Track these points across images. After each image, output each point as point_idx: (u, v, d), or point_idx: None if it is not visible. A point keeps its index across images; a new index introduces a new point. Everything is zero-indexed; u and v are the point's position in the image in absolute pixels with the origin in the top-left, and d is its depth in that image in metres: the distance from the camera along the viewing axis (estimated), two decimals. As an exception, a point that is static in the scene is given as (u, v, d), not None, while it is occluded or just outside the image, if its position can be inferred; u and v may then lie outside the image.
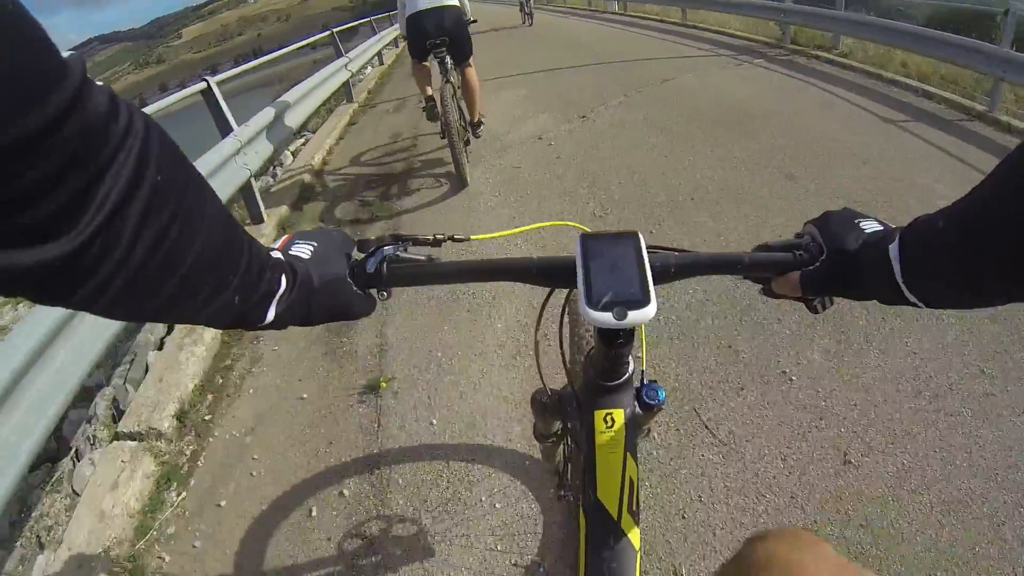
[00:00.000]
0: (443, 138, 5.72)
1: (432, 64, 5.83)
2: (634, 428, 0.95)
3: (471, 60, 5.78)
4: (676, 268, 0.83)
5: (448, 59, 5.68)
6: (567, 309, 1.14)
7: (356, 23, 16.44)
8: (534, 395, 1.20)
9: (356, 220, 5.59)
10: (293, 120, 6.74)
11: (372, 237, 0.88)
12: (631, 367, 0.95)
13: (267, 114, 6.09)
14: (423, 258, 0.89)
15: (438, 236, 0.91)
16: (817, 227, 0.83)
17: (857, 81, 8.12)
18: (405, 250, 0.88)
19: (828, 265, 0.79)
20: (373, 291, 0.86)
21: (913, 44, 7.88)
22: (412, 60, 5.88)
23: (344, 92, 10.94)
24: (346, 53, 10.88)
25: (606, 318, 0.72)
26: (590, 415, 0.94)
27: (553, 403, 1.15)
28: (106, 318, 0.51)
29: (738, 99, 7.31)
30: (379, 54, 15.67)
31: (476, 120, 6.08)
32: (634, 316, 0.71)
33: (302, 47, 9.41)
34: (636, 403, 0.96)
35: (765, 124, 6.29)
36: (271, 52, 9.28)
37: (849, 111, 6.75)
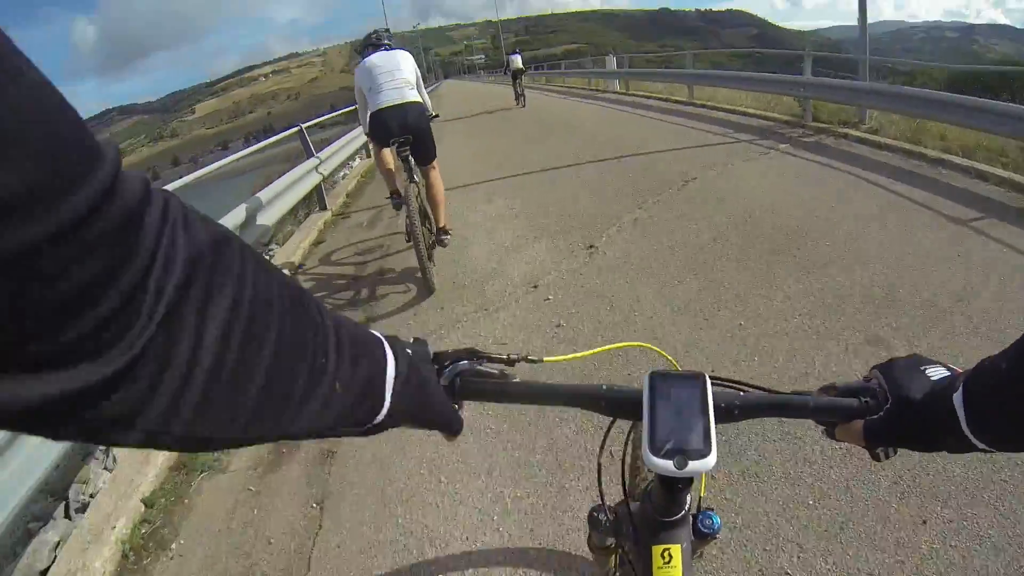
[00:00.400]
0: (408, 241, 5.51)
1: (395, 152, 5.60)
2: (690, 559, 0.92)
3: (435, 163, 5.71)
4: (740, 410, 0.82)
5: (412, 161, 5.51)
6: (631, 435, 1.16)
7: (332, 115, 14.88)
8: (592, 511, 1.06)
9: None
10: (251, 236, 6.43)
11: (449, 350, 0.90)
12: (689, 499, 0.92)
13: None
14: (496, 373, 0.91)
15: (512, 356, 0.93)
16: (882, 373, 0.80)
17: (900, 164, 7.12)
18: (480, 365, 0.90)
19: (892, 416, 0.76)
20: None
21: (947, 113, 7.16)
22: (372, 144, 6.03)
23: (317, 198, 9.74)
24: (317, 153, 9.73)
25: (667, 466, 0.73)
26: (647, 549, 0.92)
27: (610, 522, 1.03)
28: (186, 451, 0.49)
29: (777, 207, 5.94)
30: (367, 146, 13.97)
31: (442, 226, 5.74)
32: (694, 466, 0.73)
33: (267, 146, 8.90)
34: (692, 533, 0.94)
35: (819, 245, 4.91)
36: (281, 131, 10.16)
37: (910, 215, 5.49)
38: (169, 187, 4.67)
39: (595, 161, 9.20)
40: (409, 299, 5.40)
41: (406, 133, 5.34)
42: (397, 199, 5.91)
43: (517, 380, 0.89)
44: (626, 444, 1.12)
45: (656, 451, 0.73)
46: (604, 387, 0.86)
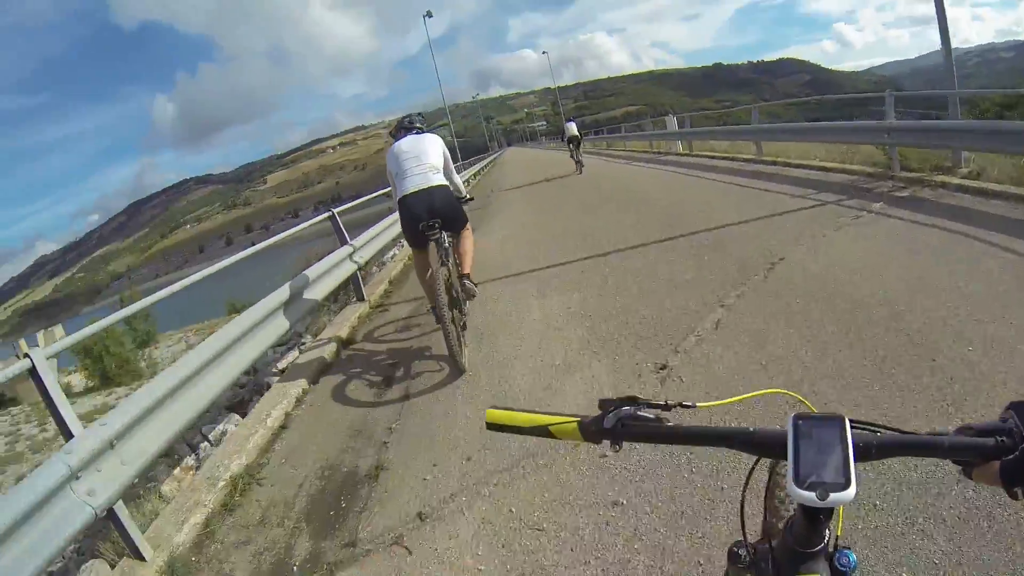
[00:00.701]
0: (438, 323, 5.43)
1: (433, 253, 5.53)
2: None
3: (467, 225, 6.02)
4: (877, 449, 0.86)
5: (445, 237, 5.71)
6: (773, 475, 1.24)
7: (362, 199, 12.63)
8: (732, 547, 1.06)
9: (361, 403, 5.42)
10: (274, 333, 6.19)
11: (614, 396, 0.99)
12: (827, 534, 0.93)
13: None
14: (652, 417, 0.98)
15: (669, 402, 0.99)
16: (1017, 412, 0.83)
17: (1016, 215, 6.25)
18: (640, 410, 0.98)
19: None
20: (606, 442, 0.99)
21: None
22: (412, 250, 5.96)
23: (354, 287, 8.96)
24: (351, 241, 9.01)
25: (810, 497, 0.77)
26: None
27: (750, 558, 1.04)
28: None
29: (892, 295, 4.66)
30: None
31: (466, 272, 5.92)
32: (835, 497, 0.77)
33: (299, 231, 8.53)
34: (829, 570, 0.92)
35: (962, 352, 3.61)
36: (347, 202, 11.10)
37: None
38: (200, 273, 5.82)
39: (662, 240, 8.15)
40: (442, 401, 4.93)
41: (434, 217, 5.41)
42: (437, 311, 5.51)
43: (672, 424, 0.98)
44: (768, 485, 1.22)
45: (800, 483, 0.78)
46: (752, 429, 0.93)
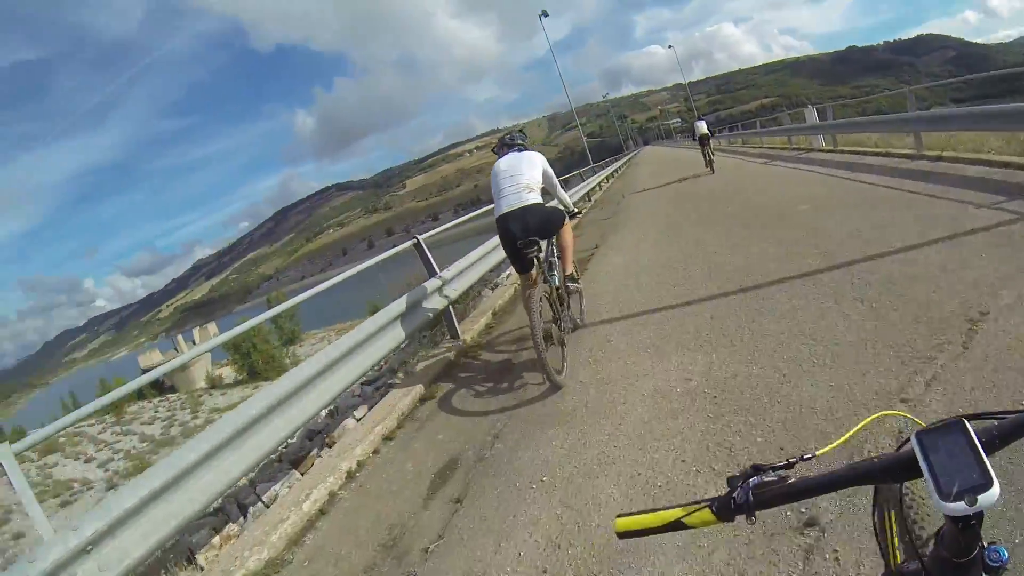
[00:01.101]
0: (534, 345, 5.27)
1: (533, 274, 5.79)
2: None
3: (565, 222, 6.02)
4: (1001, 438, 0.84)
5: (550, 251, 6.06)
6: (900, 496, 1.19)
7: (449, 225, 10.21)
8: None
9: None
10: (323, 396, 5.58)
11: (738, 472, 1.00)
12: (981, 538, 0.89)
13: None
14: (776, 479, 0.98)
15: (791, 460, 1.01)
16: None
17: None
18: (765, 476, 0.98)
19: None
20: (741, 518, 0.97)
21: None
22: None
23: (446, 323, 8.22)
24: (440, 272, 8.24)
25: (958, 507, 0.76)
26: None
27: None
28: None
29: None
30: None
31: (568, 273, 6.03)
32: (983, 499, 0.75)
33: (382, 260, 8.13)
34: (982, 570, 0.89)
35: None
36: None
37: None
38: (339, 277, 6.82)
39: (809, 274, 6.24)
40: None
41: (529, 235, 5.56)
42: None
43: (796, 480, 0.96)
44: (900, 507, 1.17)
45: (945, 496, 0.77)
46: (875, 458, 0.92)
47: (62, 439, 42.22)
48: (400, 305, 7.05)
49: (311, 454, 5.87)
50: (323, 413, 6.73)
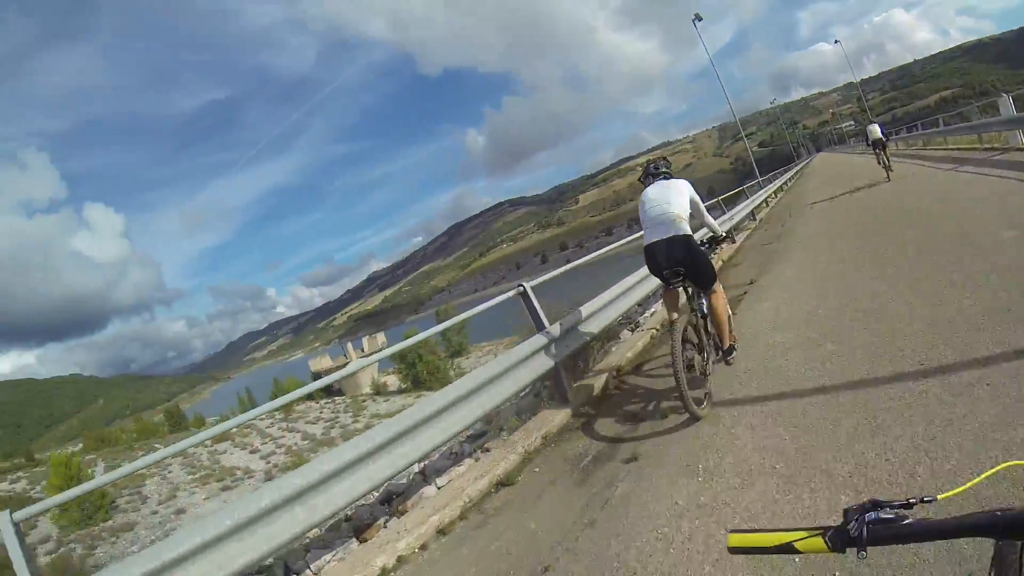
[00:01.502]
0: (672, 368, 5.24)
1: (679, 296, 5.97)
2: None
3: (716, 286, 5.83)
4: None
5: (687, 287, 5.89)
6: (1023, 558, 1.01)
7: (559, 271, 8.85)
8: None
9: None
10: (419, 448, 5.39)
11: (855, 505, 1.00)
12: None
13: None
14: (894, 517, 0.97)
15: (910, 500, 1.00)
16: None
17: None
18: (882, 512, 0.98)
19: None
20: (852, 551, 0.97)
21: None
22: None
23: (555, 385, 7.45)
24: (548, 327, 7.32)
25: None
26: None
27: None
28: None
29: None
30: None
31: (727, 346, 5.93)
32: None
33: (487, 309, 7.42)
34: None
35: None
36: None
37: None
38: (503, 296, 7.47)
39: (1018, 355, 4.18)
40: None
41: (675, 266, 5.64)
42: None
43: (912, 521, 0.96)
44: (1019, 568, 0.98)
45: None
46: (999, 512, 0.89)
47: (234, 429, 44.71)
48: (501, 364, 6.54)
49: (377, 522, 5.52)
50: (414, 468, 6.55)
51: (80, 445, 78.35)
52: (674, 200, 5.83)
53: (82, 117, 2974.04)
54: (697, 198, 6.04)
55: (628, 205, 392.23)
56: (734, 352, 6.07)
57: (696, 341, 5.76)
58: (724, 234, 6.77)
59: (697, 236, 6.03)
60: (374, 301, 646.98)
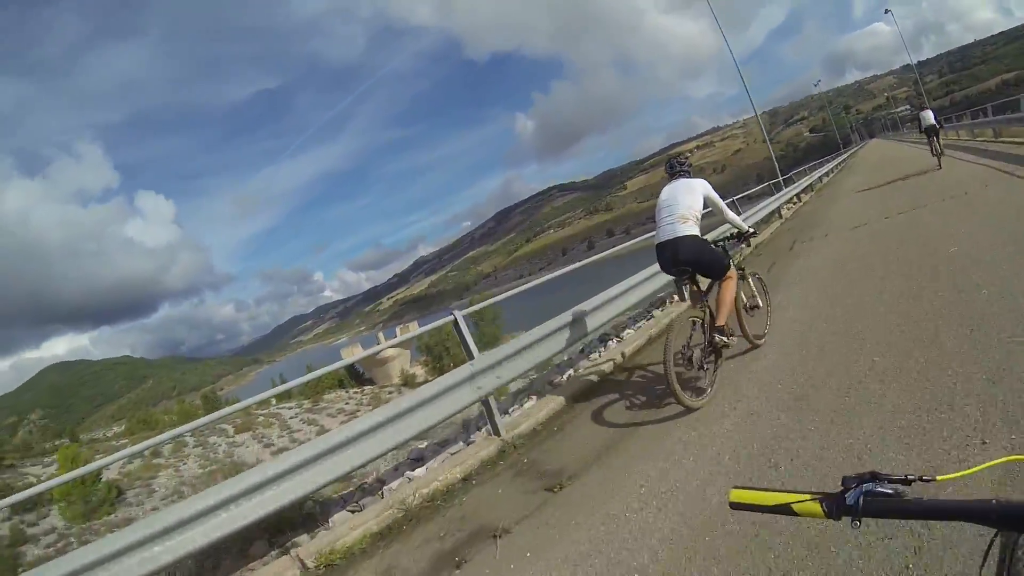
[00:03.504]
0: (664, 361, 5.41)
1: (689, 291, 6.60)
2: None
3: (729, 273, 6.08)
4: None
5: (697, 283, 6.28)
6: (1013, 548, 1.04)
7: (570, 267, 9.44)
8: None
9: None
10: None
11: (854, 474, 1.02)
12: None
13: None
14: (892, 492, 0.99)
15: (909, 476, 1.00)
16: None
17: None
18: (880, 486, 0.99)
19: None
20: (847, 519, 0.99)
21: None
22: None
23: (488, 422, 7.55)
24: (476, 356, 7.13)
25: None
26: None
27: None
28: None
29: None
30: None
31: (719, 325, 5.87)
32: None
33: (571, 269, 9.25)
34: None
35: None
36: None
37: None
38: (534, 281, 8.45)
39: None
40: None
41: (681, 265, 5.96)
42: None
43: (910, 498, 0.97)
44: (1010, 558, 1.02)
45: None
46: (994, 501, 0.89)
47: (260, 418, 45.02)
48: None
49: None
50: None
51: (124, 426, 79.49)
52: (682, 200, 6.00)
53: (134, 109, 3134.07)
54: (715, 196, 6.24)
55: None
56: (723, 336, 5.93)
57: (701, 336, 5.86)
58: (749, 229, 6.73)
59: (720, 232, 6.59)
60: (420, 286, 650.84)
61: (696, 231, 5.91)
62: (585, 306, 8.10)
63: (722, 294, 6.00)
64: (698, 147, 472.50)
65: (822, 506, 1.00)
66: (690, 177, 6.39)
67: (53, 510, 27.70)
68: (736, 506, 1.10)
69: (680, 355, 5.58)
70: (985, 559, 1.01)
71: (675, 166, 6.54)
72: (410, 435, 5.94)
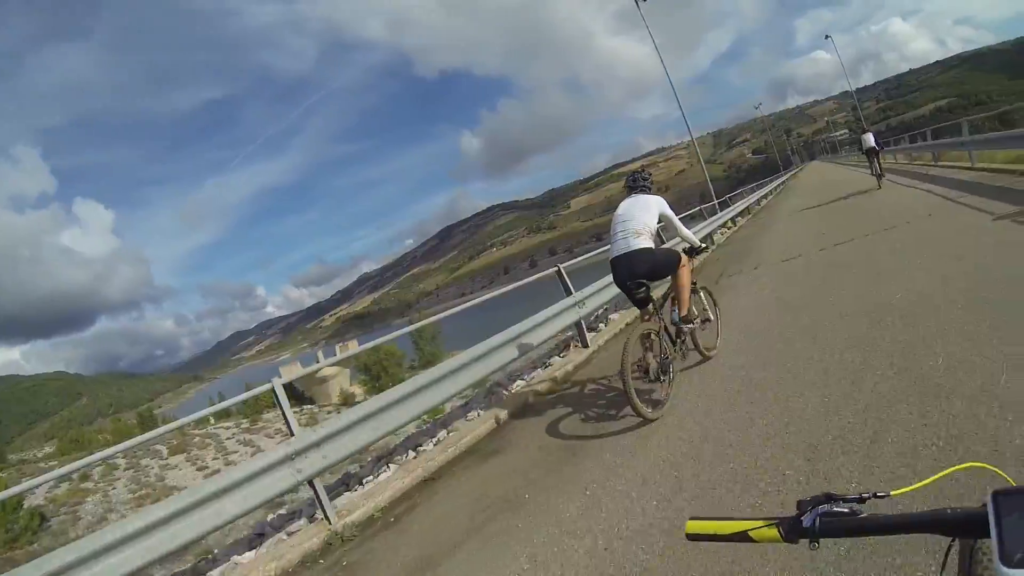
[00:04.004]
0: (621, 374, 5.53)
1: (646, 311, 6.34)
2: None
3: (683, 262, 6.32)
4: None
5: (650, 296, 6.23)
6: (972, 554, 1.05)
7: (586, 256, 12.38)
8: None
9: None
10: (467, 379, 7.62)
11: (809, 497, 1.01)
12: None
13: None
14: (847, 511, 0.98)
15: (864, 495, 1.00)
16: None
17: None
18: (836, 506, 0.99)
19: None
20: (804, 541, 0.98)
21: None
22: None
23: (576, 335, 10.02)
24: (575, 291, 9.88)
25: (1020, 574, 0.73)
26: None
27: None
28: None
29: None
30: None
31: (683, 315, 6.28)
32: None
33: (527, 283, 10.23)
34: None
35: None
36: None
37: None
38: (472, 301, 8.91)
39: None
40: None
41: (635, 278, 5.99)
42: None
43: (865, 515, 0.97)
44: (969, 564, 1.03)
45: (1007, 561, 0.73)
46: (948, 510, 0.90)
47: (196, 438, 44.18)
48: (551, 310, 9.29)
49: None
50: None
51: (55, 446, 77.27)
52: (638, 216, 6.18)
53: (75, 113, 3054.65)
54: (670, 213, 6.42)
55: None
56: (691, 324, 6.44)
57: (661, 350, 5.95)
58: (701, 244, 6.89)
59: (671, 245, 6.50)
60: (363, 303, 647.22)
61: (650, 245, 6.03)
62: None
63: (679, 284, 6.28)
64: (643, 167, 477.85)
65: (779, 530, 1.00)
66: (649, 193, 6.61)
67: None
68: (693, 537, 1.10)
69: (636, 366, 5.70)
70: (944, 566, 1.03)
71: (637, 180, 6.72)
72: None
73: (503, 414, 7.67)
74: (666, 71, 29.81)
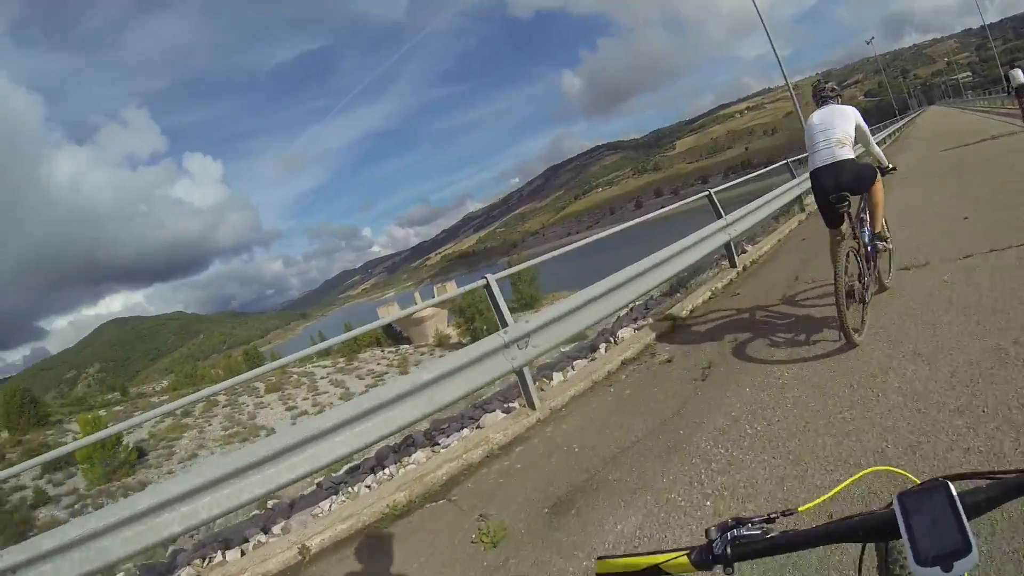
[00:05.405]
0: (835, 296, 5.24)
1: (844, 228, 5.94)
2: None
3: (877, 179, 5.91)
4: (987, 501, 0.82)
5: (852, 211, 5.91)
6: (886, 555, 1.08)
7: (744, 178, 13.66)
8: None
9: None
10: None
11: (715, 525, 0.98)
12: None
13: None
14: (758, 533, 0.96)
15: (772, 515, 0.99)
16: None
17: None
18: (745, 528, 0.96)
19: None
20: (719, 568, 0.96)
21: None
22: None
23: (726, 255, 10.54)
24: (726, 215, 10.32)
25: (935, 572, 0.75)
26: None
27: None
28: None
29: None
30: (799, 199, 14.36)
31: (877, 231, 6.05)
32: (960, 566, 0.74)
33: (676, 209, 10.64)
34: None
35: None
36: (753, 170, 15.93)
37: None
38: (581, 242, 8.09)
39: None
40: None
41: (840, 190, 5.67)
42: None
43: (776, 534, 0.94)
44: (884, 568, 1.06)
45: (922, 561, 0.75)
46: (856, 517, 0.89)
47: (294, 376, 44.99)
48: (701, 233, 9.60)
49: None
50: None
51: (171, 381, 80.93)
52: (839, 125, 5.84)
53: (178, 75, 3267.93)
54: (864, 125, 5.99)
55: (726, 153, 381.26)
56: (884, 240, 6.23)
57: (857, 270, 5.60)
58: (889, 165, 6.46)
59: None
60: (468, 242, 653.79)
61: (852, 155, 5.79)
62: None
63: (874, 200, 5.95)
64: (749, 108, 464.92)
65: (691, 560, 0.97)
66: (840, 103, 6.22)
67: (77, 474, 28.04)
68: None
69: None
70: (859, 570, 1.06)
71: (826, 91, 6.35)
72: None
73: (664, 326, 8.00)
74: (759, 13, 27.65)
